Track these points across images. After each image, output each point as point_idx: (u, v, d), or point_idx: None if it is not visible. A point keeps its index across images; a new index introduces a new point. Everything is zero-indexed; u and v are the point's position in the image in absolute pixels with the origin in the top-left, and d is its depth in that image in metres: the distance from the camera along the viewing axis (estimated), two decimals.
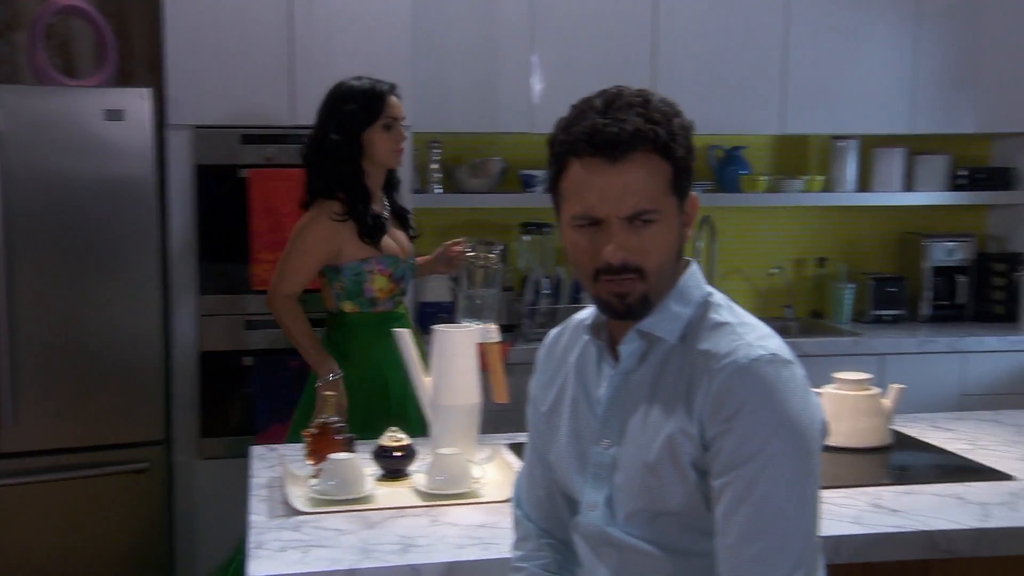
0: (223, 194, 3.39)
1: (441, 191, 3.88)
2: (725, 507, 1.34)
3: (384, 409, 2.72)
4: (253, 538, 1.85)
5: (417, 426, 2.46)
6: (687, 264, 1.49)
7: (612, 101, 1.38)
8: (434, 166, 3.87)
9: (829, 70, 3.97)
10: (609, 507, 1.47)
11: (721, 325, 1.42)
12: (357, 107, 2.75)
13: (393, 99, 2.78)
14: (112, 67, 3.44)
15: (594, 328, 1.52)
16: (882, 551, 1.86)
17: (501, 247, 3.21)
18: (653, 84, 3.80)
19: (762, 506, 1.32)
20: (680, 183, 1.40)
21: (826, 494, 2.02)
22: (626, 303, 1.41)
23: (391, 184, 2.89)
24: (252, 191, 3.33)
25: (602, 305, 1.45)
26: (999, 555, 1.90)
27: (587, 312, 1.56)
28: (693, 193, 1.44)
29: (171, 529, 3.42)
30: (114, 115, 3.19)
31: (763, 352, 1.37)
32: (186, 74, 3.32)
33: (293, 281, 2.76)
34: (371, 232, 2.75)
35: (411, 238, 2.95)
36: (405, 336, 2.24)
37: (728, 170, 4.11)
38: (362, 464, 2.08)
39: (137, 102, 3.22)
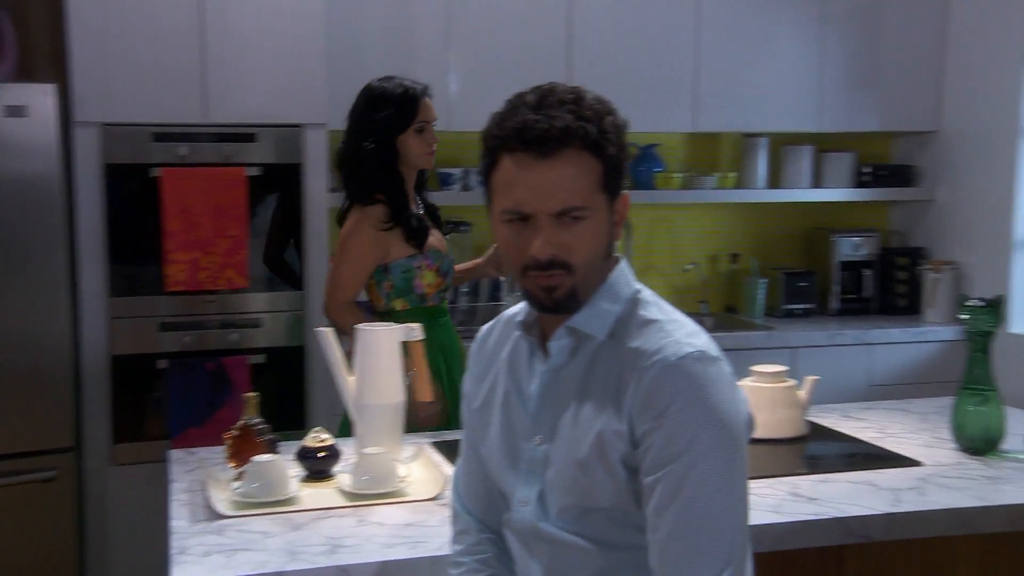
0: (134, 193, 3.32)
1: None
2: (655, 504, 1.36)
3: (447, 401, 2.72)
4: (175, 544, 1.81)
5: None
6: (617, 261, 1.51)
7: (544, 97, 1.39)
8: None
9: (740, 70, 4.06)
10: (541, 503, 1.48)
11: (650, 322, 1.44)
12: (392, 112, 2.71)
13: (426, 101, 2.76)
14: (11, 62, 3.32)
15: (525, 324, 1.53)
16: (801, 538, 1.91)
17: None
18: (568, 82, 3.83)
19: (692, 503, 1.34)
20: (611, 181, 1.41)
21: None
22: (554, 297, 1.42)
23: (420, 182, 2.86)
24: (165, 190, 3.25)
25: (530, 299, 1.46)
26: (909, 538, 1.97)
27: (518, 307, 1.57)
28: (625, 192, 1.45)
29: (81, 538, 3.32)
30: (16, 111, 3.09)
31: (691, 349, 1.39)
32: (92, 70, 3.22)
33: (347, 289, 2.71)
34: (416, 234, 2.73)
35: (444, 234, 2.93)
36: (328, 336, 2.21)
37: (643, 167, 4.16)
38: (286, 465, 2.05)
39: (40, 98, 3.12)
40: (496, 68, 3.81)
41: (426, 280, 2.76)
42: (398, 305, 2.75)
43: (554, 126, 1.36)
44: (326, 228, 3.47)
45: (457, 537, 1.67)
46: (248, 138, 3.35)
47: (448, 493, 1.78)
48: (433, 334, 2.58)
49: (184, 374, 3.31)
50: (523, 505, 1.50)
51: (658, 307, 1.48)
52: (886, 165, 4.43)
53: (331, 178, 3.72)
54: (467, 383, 1.65)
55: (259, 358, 3.41)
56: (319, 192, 3.45)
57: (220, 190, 3.28)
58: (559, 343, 1.47)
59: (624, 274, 1.50)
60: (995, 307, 2.27)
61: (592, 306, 1.46)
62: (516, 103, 1.41)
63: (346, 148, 2.75)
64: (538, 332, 1.51)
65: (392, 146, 2.71)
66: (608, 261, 1.48)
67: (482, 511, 1.65)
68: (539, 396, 1.49)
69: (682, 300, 4.31)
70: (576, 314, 1.46)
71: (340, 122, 3.55)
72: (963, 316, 2.29)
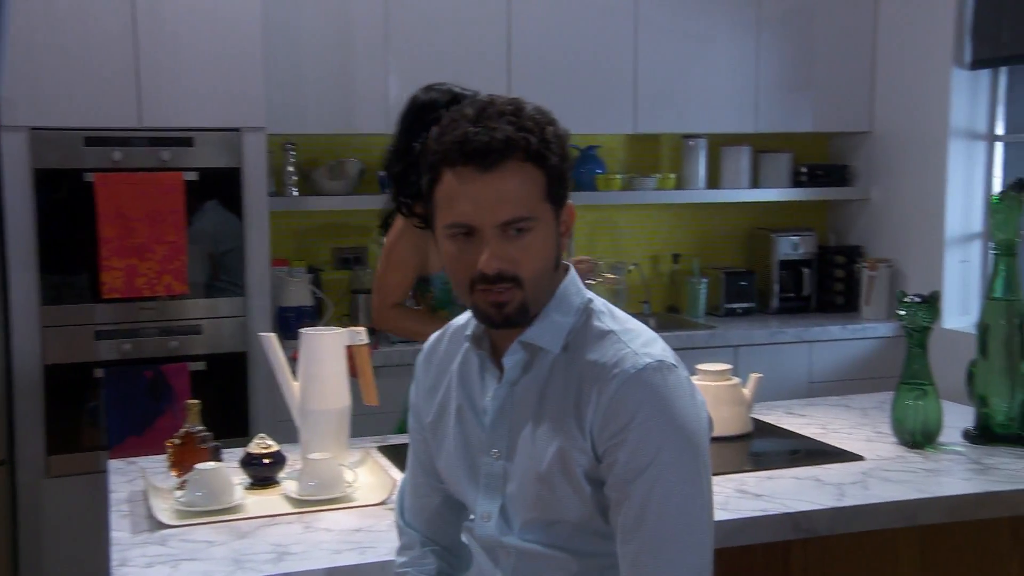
0: (66, 199, 3.23)
1: (297, 194, 3.80)
2: (623, 520, 1.36)
3: None
4: (116, 555, 1.76)
5: None
6: (567, 271, 1.49)
7: (484, 110, 1.38)
8: (290, 168, 3.79)
9: (678, 72, 4.10)
10: (503, 517, 1.47)
11: (605, 334, 1.43)
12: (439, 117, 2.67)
13: None
14: None
15: (475, 338, 1.51)
16: (749, 534, 1.93)
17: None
18: (508, 85, 3.84)
19: (660, 517, 1.34)
20: (555, 191, 1.40)
21: None
22: (504, 313, 1.40)
23: None
24: (99, 196, 3.17)
25: (479, 315, 1.44)
26: (854, 531, 2.00)
27: (465, 317, 1.55)
28: (570, 202, 1.45)
29: (15, 554, 3.23)
30: None
31: (649, 360, 1.38)
32: (20, 73, 3.14)
33: (395, 292, 2.67)
34: None
35: None
36: (272, 341, 2.18)
37: (584, 169, 4.18)
38: (230, 473, 2.01)
39: None
40: (436, 71, 3.77)
41: None
42: (442, 316, 2.68)
43: (495, 138, 1.34)
44: (267, 232, 3.42)
45: (401, 550, 1.66)
46: (185, 142, 3.29)
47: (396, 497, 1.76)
48: None
49: (122, 383, 3.24)
50: (486, 520, 1.48)
51: (611, 316, 1.47)
52: (822, 165, 4.50)
53: (270, 182, 3.69)
54: (415, 396, 1.62)
55: (200, 365, 3.35)
56: (259, 196, 3.40)
57: (157, 195, 3.22)
58: (512, 358, 1.46)
59: (575, 283, 1.49)
60: (931, 303, 2.31)
61: (544, 319, 1.44)
62: (455, 117, 1.40)
63: (395, 152, 2.71)
64: (488, 345, 1.50)
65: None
66: (557, 272, 1.46)
67: (425, 525, 1.64)
68: (495, 412, 1.47)
69: (625, 301, 4.34)
70: (529, 328, 1.44)
71: (279, 125, 3.54)
72: (901, 312, 2.33)
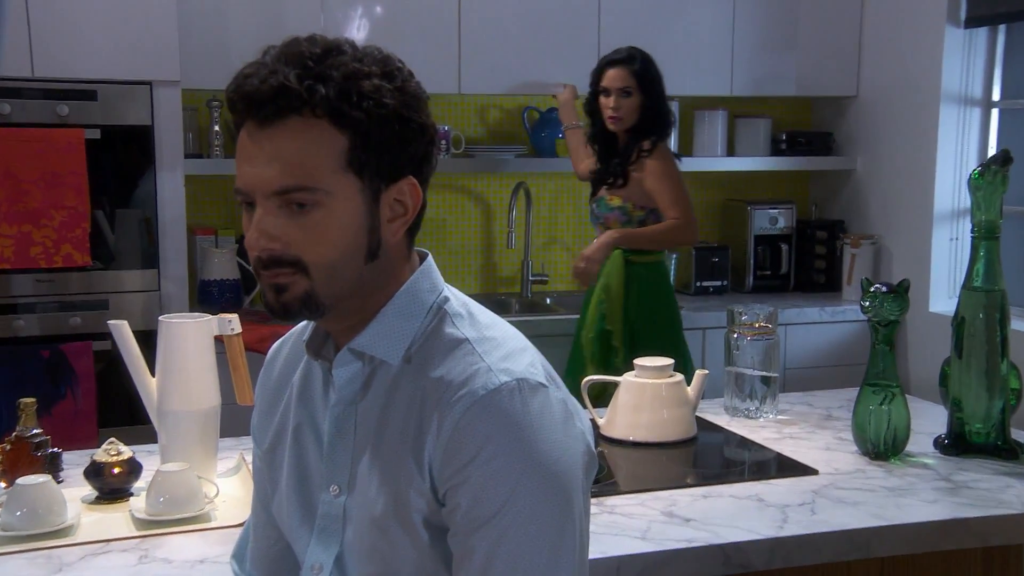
0: None
1: (222, 156, 3.47)
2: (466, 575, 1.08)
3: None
4: None
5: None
6: (421, 261, 1.20)
7: (283, 50, 1.09)
8: (216, 128, 3.46)
9: (645, 27, 3.74)
10: (340, 569, 1.18)
11: (457, 343, 1.14)
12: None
13: (609, 71, 3.16)
14: None
15: (312, 345, 1.21)
16: (669, 570, 1.63)
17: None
18: (459, 35, 3.51)
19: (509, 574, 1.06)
20: (365, 160, 1.09)
21: (617, 502, 1.81)
22: (282, 301, 1.12)
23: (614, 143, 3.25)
24: None
25: (264, 303, 1.15)
26: (793, 566, 1.70)
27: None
28: (411, 178, 1.13)
29: None
30: None
31: (506, 378, 1.09)
32: None
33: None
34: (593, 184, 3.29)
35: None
36: (123, 329, 1.88)
37: (543, 133, 3.86)
38: (60, 487, 1.71)
39: None
40: (378, 20, 3.46)
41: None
42: None
43: (267, 84, 1.05)
44: (182, 197, 3.10)
45: None
46: (87, 96, 2.96)
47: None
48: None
49: (14, 363, 2.94)
50: (316, 573, 1.19)
51: (470, 320, 1.17)
52: (803, 132, 4.17)
53: (192, 142, 3.37)
54: (254, 420, 1.34)
55: (106, 344, 3.04)
56: (174, 157, 3.08)
57: (54, 154, 2.90)
58: (345, 370, 1.17)
59: (428, 278, 1.19)
60: (900, 294, 2.00)
61: (380, 323, 1.15)
62: (260, 56, 1.10)
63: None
64: (332, 353, 1.20)
65: (592, 108, 3.23)
66: (398, 264, 1.17)
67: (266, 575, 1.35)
68: (331, 436, 1.19)
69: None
70: (361, 332, 1.15)
71: (199, 80, 3.20)
72: (865, 303, 2.02)
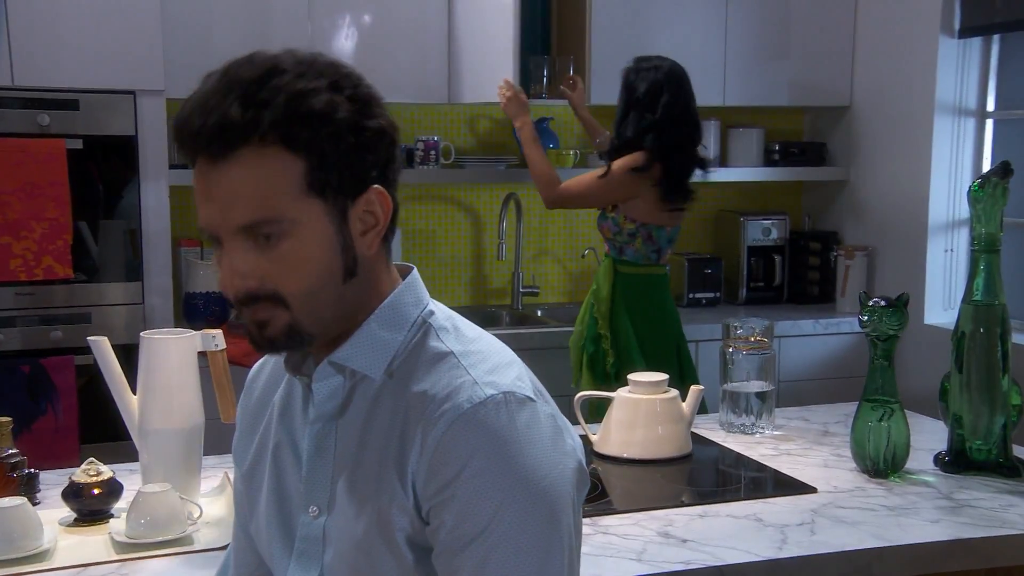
0: None
1: None
2: None
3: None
4: None
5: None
6: (405, 274, 1.16)
7: (221, 78, 1.03)
8: None
9: (636, 37, 3.70)
10: None
11: (442, 356, 1.09)
12: None
13: None
14: None
15: (291, 360, 1.17)
16: None
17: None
18: (448, 44, 3.46)
19: None
20: (326, 179, 1.04)
21: (611, 522, 1.76)
22: (266, 336, 1.08)
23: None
24: None
25: (249, 339, 1.11)
26: None
27: None
28: (377, 187, 1.08)
29: None
30: None
31: (492, 392, 1.05)
32: None
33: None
34: None
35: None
36: (102, 345, 1.82)
37: None
38: (50, 506, 1.66)
39: None
40: (365, 28, 3.41)
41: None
42: None
43: (210, 120, 1.01)
44: (167, 208, 3.05)
45: None
46: (69, 105, 2.91)
47: None
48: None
49: None
50: None
51: (455, 334, 1.13)
52: (796, 143, 4.13)
53: (174, 152, 3.31)
54: (235, 441, 1.30)
55: (88, 358, 2.95)
56: (158, 168, 3.03)
57: (34, 164, 2.84)
58: (324, 384, 1.13)
59: (412, 291, 1.15)
60: (899, 308, 1.96)
61: (362, 335, 1.11)
62: (199, 88, 1.05)
63: None
64: (312, 369, 1.15)
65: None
66: (381, 276, 1.13)
67: None
68: (310, 454, 1.14)
69: (578, 288, 4.00)
70: (343, 345, 1.11)
71: (184, 89, 3.14)
72: (863, 318, 1.98)
